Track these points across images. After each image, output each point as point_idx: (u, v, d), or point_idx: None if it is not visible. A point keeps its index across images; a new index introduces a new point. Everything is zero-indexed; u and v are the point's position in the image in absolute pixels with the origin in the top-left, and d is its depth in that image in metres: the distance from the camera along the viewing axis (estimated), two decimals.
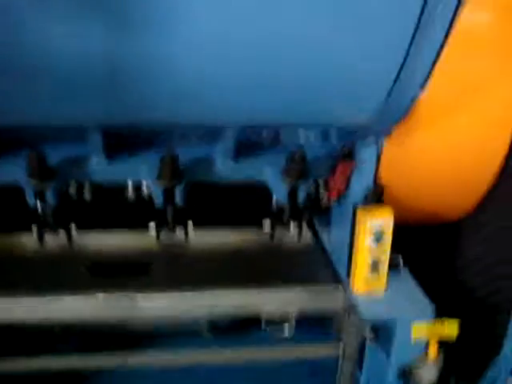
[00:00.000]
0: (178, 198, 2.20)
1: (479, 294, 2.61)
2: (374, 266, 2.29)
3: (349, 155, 2.20)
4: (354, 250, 2.29)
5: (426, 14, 1.65)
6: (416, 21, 1.66)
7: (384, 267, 2.31)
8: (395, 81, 1.81)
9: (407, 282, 2.41)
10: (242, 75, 1.75)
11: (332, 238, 2.58)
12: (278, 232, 2.59)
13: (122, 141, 2.20)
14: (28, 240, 2.50)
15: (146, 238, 2.53)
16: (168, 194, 2.20)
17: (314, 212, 2.56)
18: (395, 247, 2.49)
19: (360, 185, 2.28)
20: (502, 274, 2.51)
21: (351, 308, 2.31)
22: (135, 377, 2.59)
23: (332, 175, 2.27)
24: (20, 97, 1.79)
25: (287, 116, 1.95)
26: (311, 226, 2.71)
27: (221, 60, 1.70)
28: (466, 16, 1.89)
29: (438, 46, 1.75)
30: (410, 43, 1.71)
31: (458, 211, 2.60)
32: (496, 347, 2.42)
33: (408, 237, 2.73)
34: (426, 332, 2.26)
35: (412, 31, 1.68)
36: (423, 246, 2.83)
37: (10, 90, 1.74)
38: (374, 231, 2.22)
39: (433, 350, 2.28)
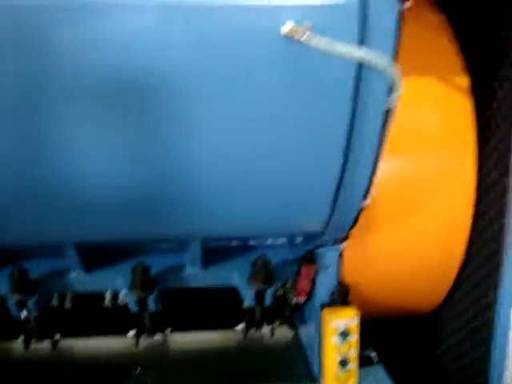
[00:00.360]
0: (152, 304, 2.32)
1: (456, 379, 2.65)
2: (343, 364, 2.36)
3: (311, 259, 2.31)
4: (323, 348, 2.38)
5: (355, 130, 1.80)
6: (345, 137, 1.81)
7: (353, 364, 2.38)
8: (336, 194, 1.95)
9: (381, 379, 2.48)
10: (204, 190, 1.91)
11: (305, 336, 2.66)
12: (254, 331, 2.68)
13: (98, 254, 2.35)
14: (15, 347, 2.65)
15: (128, 342, 2.65)
16: (142, 302, 2.32)
17: (288, 311, 2.64)
18: (369, 342, 2.59)
19: (325, 286, 2.39)
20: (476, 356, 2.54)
21: None
22: None
23: (298, 278, 2.38)
24: (16, 221, 1.97)
25: (245, 228, 2.09)
26: (291, 323, 2.82)
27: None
28: (406, 119, 2.07)
29: (372, 160, 1.90)
30: (344, 158, 1.85)
31: (429, 304, 2.68)
32: None
33: (384, 329, 2.84)
34: None
35: (343, 145, 1.82)
36: (400, 337, 2.91)
37: (11, 214, 1.92)
38: (339, 331, 2.32)
39: None
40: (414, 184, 2.36)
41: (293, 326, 2.82)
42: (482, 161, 2.36)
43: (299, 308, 2.57)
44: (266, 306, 2.39)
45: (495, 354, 2.30)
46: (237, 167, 1.86)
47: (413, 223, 2.40)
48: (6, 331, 2.59)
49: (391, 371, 2.52)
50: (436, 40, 2.45)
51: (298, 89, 1.70)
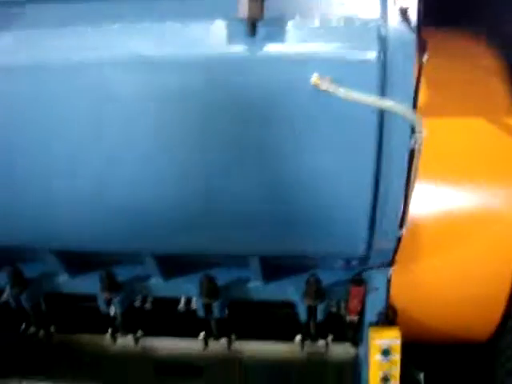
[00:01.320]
0: (216, 311, 2.65)
1: None
2: (385, 381, 2.56)
3: (360, 281, 2.54)
4: (367, 364, 2.59)
5: (382, 169, 2.03)
6: (373, 175, 2.04)
7: (395, 381, 2.56)
8: (371, 225, 2.17)
9: None
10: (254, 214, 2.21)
11: (361, 353, 2.87)
12: (311, 345, 2.93)
13: (174, 264, 2.72)
14: (104, 340, 3.08)
15: (199, 345, 2.99)
16: (208, 309, 2.65)
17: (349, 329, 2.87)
18: (421, 366, 2.76)
19: (373, 307, 2.60)
20: None
21: None
22: None
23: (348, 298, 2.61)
24: (106, 232, 2.36)
25: (287, 249, 2.37)
26: (354, 342, 3.04)
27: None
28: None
29: (400, 194, 2.11)
30: (374, 193, 2.09)
31: (481, 332, 2.78)
32: None
33: (440, 355, 2.98)
34: None
35: (371, 182, 2.05)
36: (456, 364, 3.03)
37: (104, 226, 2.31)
38: (382, 349, 2.52)
39: None
40: (464, 213, 2.49)
41: (356, 344, 3.04)
42: None
43: (354, 326, 2.77)
44: (318, 321, 2.64)
45: None
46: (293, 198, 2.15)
47: (461, 251, 2.52)
48: (97, 326, 3.01)
49: None
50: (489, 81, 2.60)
51: (327, 132, 1.97)
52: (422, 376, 2.73)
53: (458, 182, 2.50)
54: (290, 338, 2.87)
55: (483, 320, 2.71)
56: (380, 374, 2.55)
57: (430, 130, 2.38)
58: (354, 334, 2.89)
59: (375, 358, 2.54)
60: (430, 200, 2.49)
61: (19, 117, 2.07)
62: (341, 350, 3.02)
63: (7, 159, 2.17)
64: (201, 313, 2.67)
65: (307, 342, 2.88)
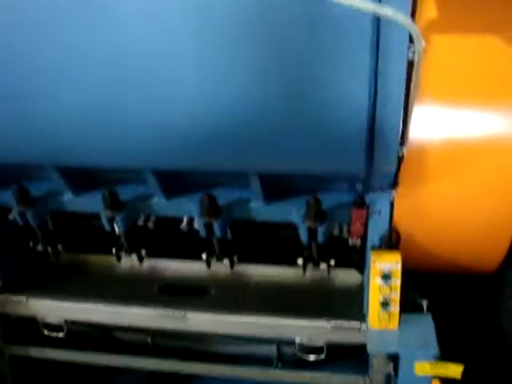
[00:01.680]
0: (217, 231, 2.63)
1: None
2: (385, 305, 2.52)
3: (361, 203, 2.48)
4: (368, 288, 2.55)
5: (379, 79, 1.95)
6: (369, 85, 1.96)
7: (395, 307, 2.53)
8: (369, 139, 2.10)
9: (423, 325, 2.59)
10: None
11: (364, 279, 2.84)
12: (314, 269, 2.92)
13: (176, 183, 2.69)
14: (108, 260, 3.13)
15: (204, 267, 3.00)
16: (209, 228, 2.63)
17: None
18: (422, 292, 2.72)
19: (376, 230, 2.54)
20: None
21: None
22: None
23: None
24: (102, 144, 2.35)
25: (284, 166, 2.31)
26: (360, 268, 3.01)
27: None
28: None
29: (400, 107, 2.03)
30: (371, 104, 2.01)
31: (488, 261, 2.71)
32: None
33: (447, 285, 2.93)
34: (429, 371, 2.44)
35: (368, 91, 1.98)
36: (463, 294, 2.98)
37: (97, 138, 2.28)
38: (382, 273, 2.48)
39: None
40: (472, 136, 2.39)
41: (361, 271, 3.01)
42: None
43: (358, 251, 2.73)
44: (319, 243, 2.60)
45: None
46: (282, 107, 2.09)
47: (468, 175, 2.43)
48: (103, 246, 3.04)
49: (443, 325, 2.63)
50: None
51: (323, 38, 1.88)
52: (425, 303, 2.68)
53: (468, 104, 2.39)
54: (293, 262, 2.84)
55: (490, 249, 2.64)
56: (380, 298, 2.52)
57: (438, 47, 2.32)
58: (360, 260, 2.86)
59: (375, 281, 2.50)
60: (437, 122, 2.39)
61: (26, 23, 2.02)
62: (346, 276, 3.00)
63: (15, 71, 2.14)
64: (203, 232, 2.66)
65: (310, 267, 2.84)
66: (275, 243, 2.92)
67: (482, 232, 2.56)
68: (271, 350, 3.19)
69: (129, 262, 3.17)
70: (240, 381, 3.27)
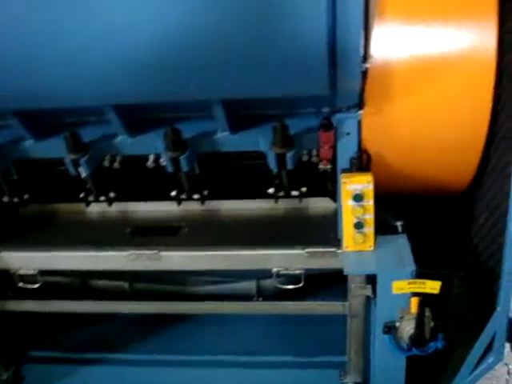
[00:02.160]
0: (184, 165, 2.57)
1: (484, 256, 2.69)
2: (359, 226, 2.49)
3: (328, 125, 2.42)
4: (341, 211, 2.52)
5: None
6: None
7: (369, 229, 2.51)
8: (330, 55, 2.04)
9: (399, 245, 2.58)
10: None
11: (337, 204, 2.81)
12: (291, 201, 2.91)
13: (140, 121, 2.62)
14: (79, 206, 3.09)
15: (174, 207, 2.96)
16: (176, 163, 2.58)
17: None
18: (397, 214, 2.70)
19: (345, 153, 2.50)
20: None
21: None
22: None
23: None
24: (58, 82, 2.26)
25: (246, 89, 2.24)
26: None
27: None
28: None
29: (360, 22, 1.97)
30: (330, 20, 1.95)
31: (457, 181, 2.70)
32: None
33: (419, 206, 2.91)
34: (406, 289, 2.43)
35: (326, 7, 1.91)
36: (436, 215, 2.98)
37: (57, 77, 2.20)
38: (353, 194, 2.44)
39: (413, 305, 2.45)
40: (437, 52, 2.34)
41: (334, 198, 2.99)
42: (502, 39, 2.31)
43: (330, 178, 2.68)
44: (289, 169, 2.56)
45: None
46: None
47: (434, 91, 2.39)
48: (70, 193, 2.96)
49: (418, 245, 2.62)
50: None
51: None
52: (400, 224, 2.67)
53: (430, 20, 2.34)
54: (265, 194, 2.80)
55: (461, 164, 2.62)
56: (353, 220, 2.49)
57: None
58: (332, 187, 2.83)
59: (348, 203, 2.47)
60: (401, 40, 2.34)
61: None
62: (319, 205, 2.98)
63: None
64: (170, 168, 2.60)
65: (283, 199, 2.82)
66: (245, 175, 2.87)
67: (452, 148, 2.53)
68: (250, 286, 3.20)
69: (99, 208, 3.12)
70: (222, 319, 3.28)
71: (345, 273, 2.52)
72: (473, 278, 2.83)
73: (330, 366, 3.07)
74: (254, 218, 2.96)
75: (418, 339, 2.44)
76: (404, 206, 2.83)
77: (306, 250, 2.65)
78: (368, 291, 2.65)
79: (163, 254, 2.73)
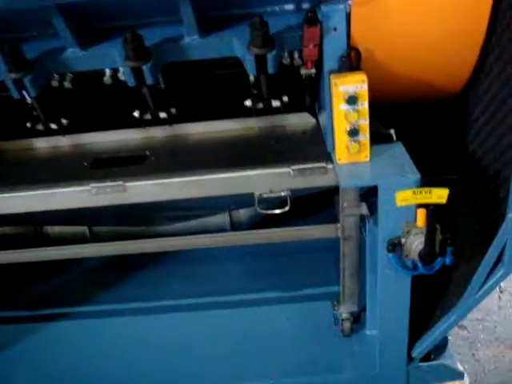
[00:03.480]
0: (148, 77, 2.22)
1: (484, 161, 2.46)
2: (353, 134, 2.21)
3: (313, 19, 2.10)
4: (333, 118, 2.23)
5: None
6: None
7: (365, 136, 2.22)
8: None
9: (397, 153, 2.31)
10: None
11: (323, 120, 2.51)
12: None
13: (93, 30, 2.25)
14: (27, 143, 2.72)
15: (139, 134, 2.65)
16: (138, 75, 2.22)
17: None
18: (389, 123, 2.43)
19: (333, 51, 2.18)
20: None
21: None
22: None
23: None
24: None
25: None
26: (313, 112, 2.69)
27: None
28: None
29: None
30: None
31: (457, 76, 2.44)
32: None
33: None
34: (412, 199, 2.17)
35: None
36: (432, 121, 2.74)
37: None
38: (347, 96, 2.15)
39: (420, 218, 2.19)
40: None
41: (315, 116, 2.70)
42: None
43: (312, 81, 2.37)
44: (269, 73, 2.23)
45: None
46: None
47: None
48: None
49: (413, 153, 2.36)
50: None
51: None
52: (393, 132, 2.39)
53: None
54: (240, 109, 2.47)
55: (458, 61, 2.37)
56: (347, 127, 2.20)
57: None
58: (312, 99, 2.53)
59: (340, 108, 2.17)
60: None
61: None
62: (299, 121, 2.69)
63: None
64: (131, 81, 2.24)
65: (262, 116, 2.54)
66: (217, 88, 2.53)
67: (448, 43, 2.28)
68: (223, 219, 2.91)
69: (49, 143, 2.73)
70: (195, 258, 2.99)
71: (342, 186, 2.24)
72: (471, 186, 2.59)
73: (320, 297, 2.82)
74: (228, 140, 2.63)
75: (428, 255, 2.18)
76: (391, 115, 2.55)
77: (293, 168, 2.34)
78: (363, 209, 2.39)
79: (129, 184, 2.37)
